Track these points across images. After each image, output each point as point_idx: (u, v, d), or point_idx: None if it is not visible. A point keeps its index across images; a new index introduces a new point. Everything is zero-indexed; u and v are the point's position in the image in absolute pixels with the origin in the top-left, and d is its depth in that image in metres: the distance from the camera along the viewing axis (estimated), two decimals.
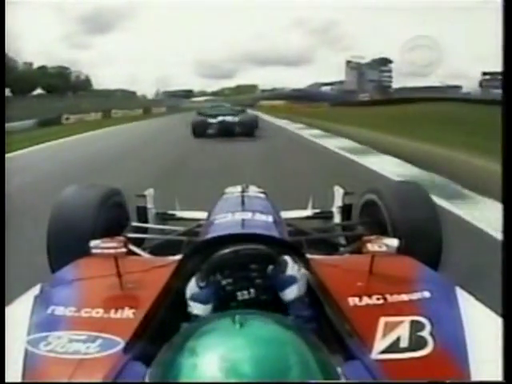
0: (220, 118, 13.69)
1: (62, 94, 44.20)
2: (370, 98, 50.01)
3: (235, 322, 0.72)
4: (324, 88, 77.26)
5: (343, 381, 0.80)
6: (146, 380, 0.75)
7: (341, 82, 77.31)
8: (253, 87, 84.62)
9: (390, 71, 77.23)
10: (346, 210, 3.19)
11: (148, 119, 29.19)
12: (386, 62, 75.90)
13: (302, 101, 47.28)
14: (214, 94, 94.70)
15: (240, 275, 1.34)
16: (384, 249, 1.35)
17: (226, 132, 13.21)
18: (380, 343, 1.07)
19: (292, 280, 1.34)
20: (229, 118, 13.72)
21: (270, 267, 1.35)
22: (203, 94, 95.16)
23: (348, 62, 75.54)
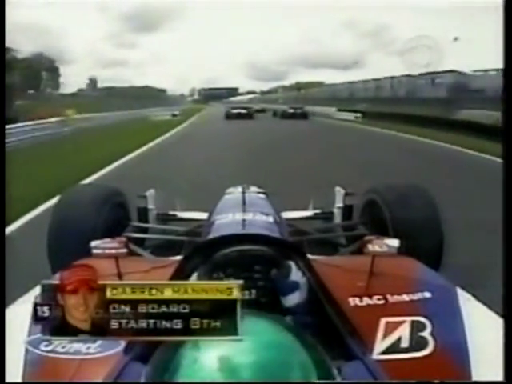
0: None
1: None
2: None
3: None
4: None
5: (343, 381, 0.80)
6: (144, 372, 0.75)
7: None
8: (317, 84, 58.35)
9: None
10: (346, 211, 3.20)
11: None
12: None
13: None
14: (263, 93, 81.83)
15: (243, 275, 1.34)
16: (385, 249, 1.35)
17: None
18: (381, 343, 1.07)
19: (294, 286, 1.33)
20: None
21: (274, 270, 1.34)
22: (251, 92, 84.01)
23: None
